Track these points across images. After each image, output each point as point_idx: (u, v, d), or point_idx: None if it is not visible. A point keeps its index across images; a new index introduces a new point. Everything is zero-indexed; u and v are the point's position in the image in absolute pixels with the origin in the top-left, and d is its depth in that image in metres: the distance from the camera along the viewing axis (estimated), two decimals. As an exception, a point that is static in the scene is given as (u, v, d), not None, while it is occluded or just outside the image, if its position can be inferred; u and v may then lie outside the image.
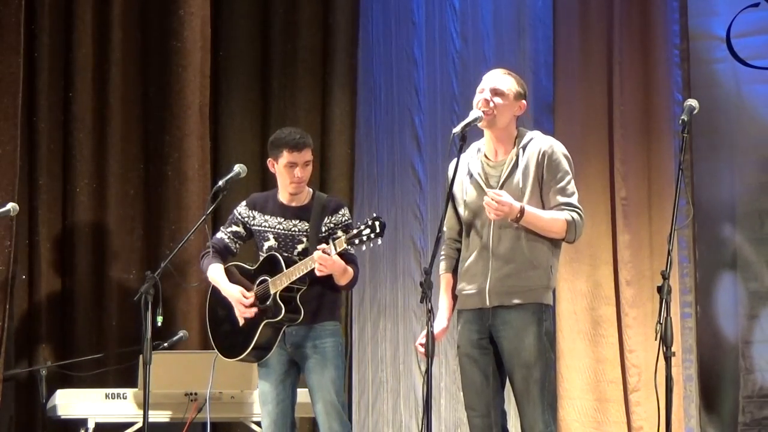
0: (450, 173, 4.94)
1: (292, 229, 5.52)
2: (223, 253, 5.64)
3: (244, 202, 5.70)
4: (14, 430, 6.84)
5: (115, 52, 7.24)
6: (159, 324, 5.39)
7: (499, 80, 4.95)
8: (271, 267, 5.45)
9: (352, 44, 7.56)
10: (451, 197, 4.96)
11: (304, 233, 5.49)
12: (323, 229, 5.46)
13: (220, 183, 5.62)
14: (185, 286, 6.84)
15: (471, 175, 4.96)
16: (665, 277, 4.51)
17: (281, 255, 5.44)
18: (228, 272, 5.60)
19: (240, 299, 5.46)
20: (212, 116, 7.41)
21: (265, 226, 5.57)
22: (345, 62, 7.52)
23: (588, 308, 7.34)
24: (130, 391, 6.31)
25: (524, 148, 4.93)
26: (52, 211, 7.12)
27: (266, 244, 5.54)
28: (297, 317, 5.41)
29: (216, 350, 5.65)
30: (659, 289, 4.51)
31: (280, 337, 5.44)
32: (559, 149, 4.94)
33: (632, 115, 7.40)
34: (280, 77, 7.58)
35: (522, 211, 4.76)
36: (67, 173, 7.17)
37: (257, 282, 5.50)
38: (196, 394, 6.25)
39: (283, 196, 5.58)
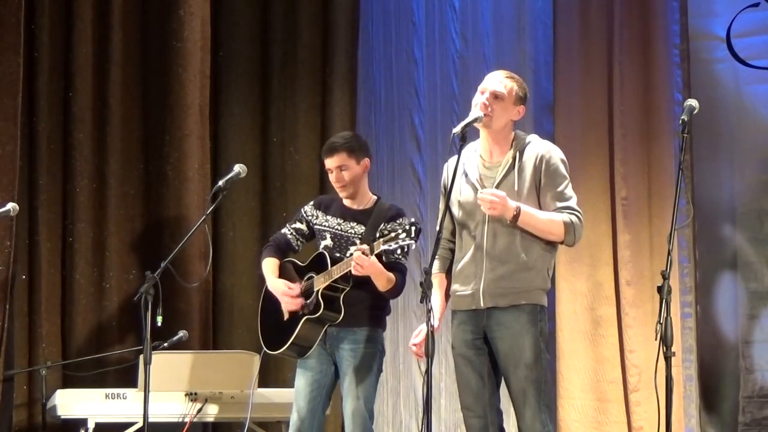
0: (449, 172, 4.93)
1: (349, 231, 5.56)
2: (284, 249, 5.71)
3: (311, 201, 5.79)
4: (14, 430, 6.84)
5: (115, 52, 7.24)
6: (159, 324, 5.39)
7: (501, 83, 4.94)
8: (319, 265, 5.50)
9: (352, 44, 7.56)
10: (448, 197, 4.95)
11: (359, 236, 5.52)
12: (377, 235, 5.44)
13: (220, 183, 5.63)
14: (185, 286, 6.84)
15: (466, 175, 4.95)
16: (665, 277, 4.51)
17: (329, 254, 5.48)
18: (282, 267, 5.66)
19: (284, 290, 5.52)
20: (212, 116, 7.41)
21: (325, 226, 5.62)
22: (345, 62, 7.52)
23: (588, 308, 7.34)
24: (130, 391, 6.31)
25: (521, 151, 4.92)
26: (52, 211, 7.11)
27: (323, 243, 5.59)
28: (337, 316, 5.42)
29: (262, 343, 5.66)
30: (659, 289, 4.51)
31: (321, 336, 5.46)
32: (557, 154, 4.93)
33: (632, 115, 7.40)
34: (280, 77, 7.58)
35: (517, 210, 4.75)
36: (67, 173, 7.16)
37: (305, 278, 5.56)
38: (196, 394, 6.26)
39: (345, 200, 5.65)
